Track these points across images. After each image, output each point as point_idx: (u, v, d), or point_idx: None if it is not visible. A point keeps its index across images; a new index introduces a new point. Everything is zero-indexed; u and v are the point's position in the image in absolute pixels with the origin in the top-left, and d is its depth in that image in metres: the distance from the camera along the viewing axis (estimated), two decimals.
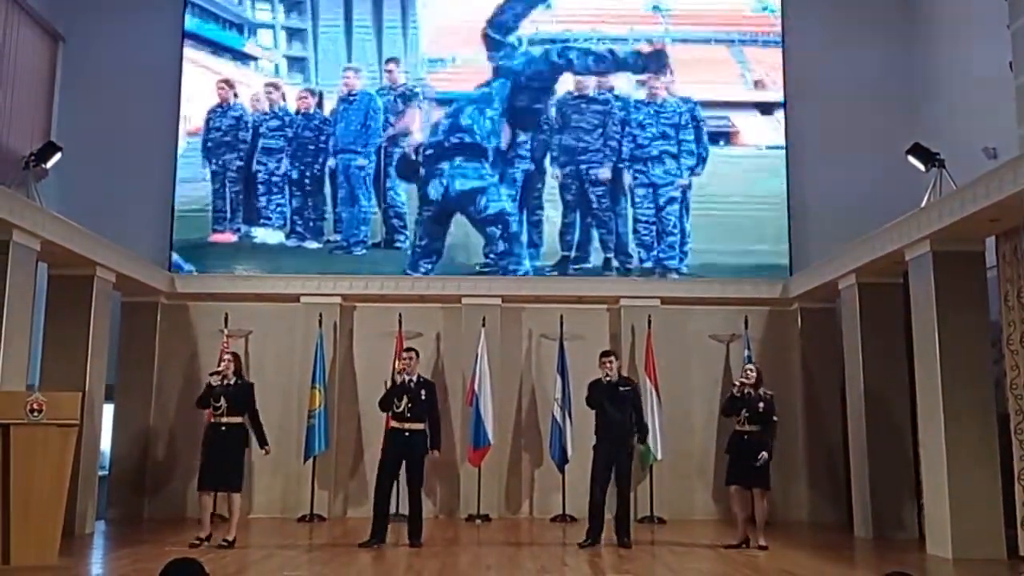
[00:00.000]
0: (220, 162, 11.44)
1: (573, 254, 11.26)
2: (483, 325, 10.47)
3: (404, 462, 8.09)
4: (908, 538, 8.92)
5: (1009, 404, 7.50)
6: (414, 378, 8.22)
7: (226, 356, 8.24)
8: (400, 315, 10.55)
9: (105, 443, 10.03)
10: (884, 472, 9.12)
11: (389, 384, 8.26)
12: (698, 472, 10.62)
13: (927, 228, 7.74)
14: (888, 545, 8.68)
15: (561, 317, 10.56)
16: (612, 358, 8.41)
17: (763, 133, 11.64)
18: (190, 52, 11.61)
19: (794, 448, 10.56)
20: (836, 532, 9.68)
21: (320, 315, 10.52)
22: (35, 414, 6.87)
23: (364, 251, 11.27)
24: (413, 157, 11.37)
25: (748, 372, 8.39)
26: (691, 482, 10.60)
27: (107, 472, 10.25)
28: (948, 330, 7.80)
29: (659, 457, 10.11)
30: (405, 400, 8.07)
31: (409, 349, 8.53)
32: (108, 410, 10.06)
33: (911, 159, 9.21)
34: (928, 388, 7.97)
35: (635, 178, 11.35)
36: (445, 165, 11.29)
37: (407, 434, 8.06)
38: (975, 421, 7.68)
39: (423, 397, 8.15)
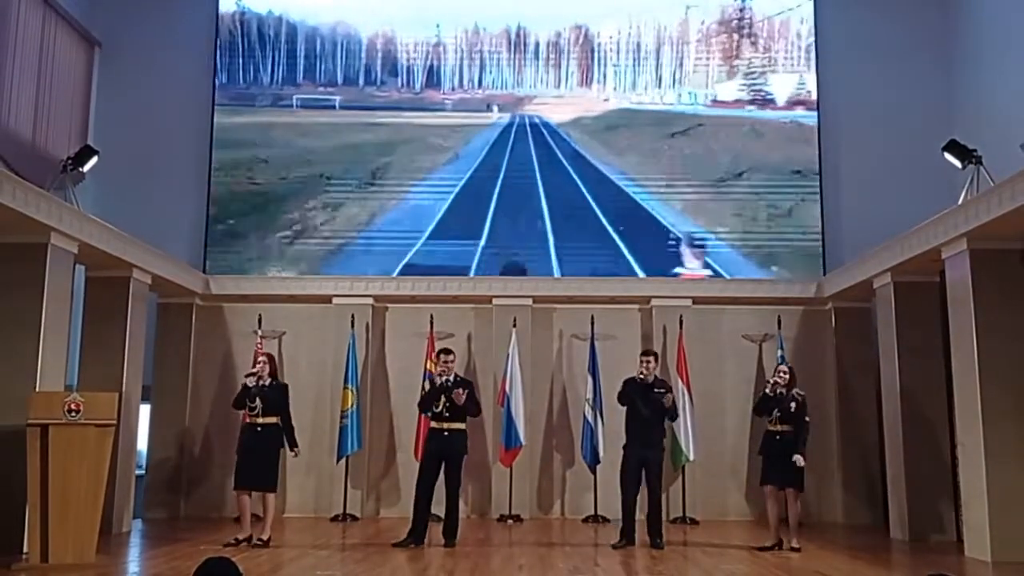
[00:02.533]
0: None
1: None
2: (514, 325, 10.46)
3: (444, 461, 8.11)
4: (946, 540, 8.79)
5: None
6: (451, 378, 8.24)
7: (261, 357, 8.31)
8: (432, 316, 10.58)
9: (142, 443, 10.16)
10: (921, 473, 9.00)
11: (427, 386, 8.28)
12: (731, 473, 10.54)
13: (964, 226, 7.62)
14: (925, 548, 8.56)
15: (592, 317, 10.53)
16: (652, 359, 8.37)
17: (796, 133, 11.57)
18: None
19: (829, 449, 10.46)
20: (871, 534, 9.56)
21: (352, 316, 10.57)
22: (73, 414, 6.97)
23: None
24: None
25: (782, 372, 8.31)
26: (724, 483, 10.52)
27: (144, 471, 10.38)
28: (986, 329, 7.67)
29: (692, 458, 10.05)
30: (443, 401, 8.10)
31: (448, 351, 8.48)
32: (144, 410, 10.19)
33: (947, 156, 9.07)
34: (966, 388, 7.85)
35: None
36: None
37: (446, 434, 8.09)
38: (1014, 421, 7.54)
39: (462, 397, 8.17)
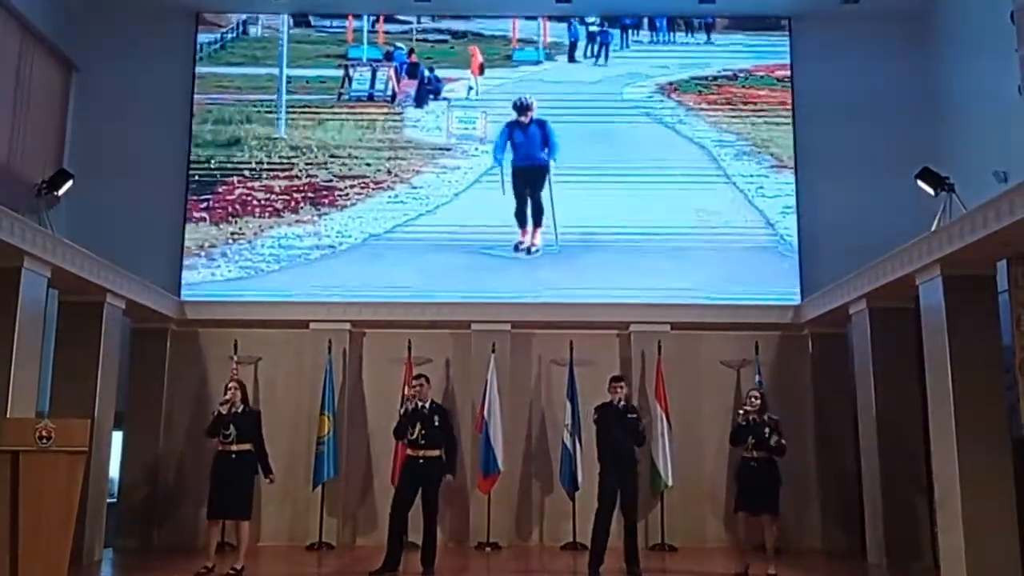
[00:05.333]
0: None
1: None
2: (492, 351, 10.44)
3: (420, 489, 7.96)
4: (923, 566, 8.80)
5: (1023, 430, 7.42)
6: (427, 404, 8.15)
7: (232, 384, 8.22)
8: (409, 341, 10.53)
9: (114, 470, 10.02)
10: (897, 498, 9.03)
11: (402, 412, 8.17)
12: (709, 499, 10.53)
13: (937, 252, 7.69)
14: (902, 573, 8.59)
15: (571, 343, 10.53)
16: (622, 384, 8.34)
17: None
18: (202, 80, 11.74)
19: (806, 474, 10.47)
20: (849, 559, 9.57)
21: (329, 341, 10.50)
22: (44, 441, 6.85)
23: None
24: None
25: (753, 399, 8.34)
26: (702, 509, 10.50)
27: (116, 500, 10.21)
28: (960, 355, 7.71)
29: (670, 484, 10.03)
30: (419, 427, 7.98)
31: (419, 376, 8.47)
32: (117, 437, 10.05)
33: (920, 183, 9.19)
34: (940, 414, 7.89)
35: None
36: None
37: (421, 461, 7.95)
38: (988, 447, 7.57)
39: (436, 423, 8.06)
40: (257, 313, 10.87)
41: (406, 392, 9.51)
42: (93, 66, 11.55)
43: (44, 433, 6.85)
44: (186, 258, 11.29)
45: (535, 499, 10.63)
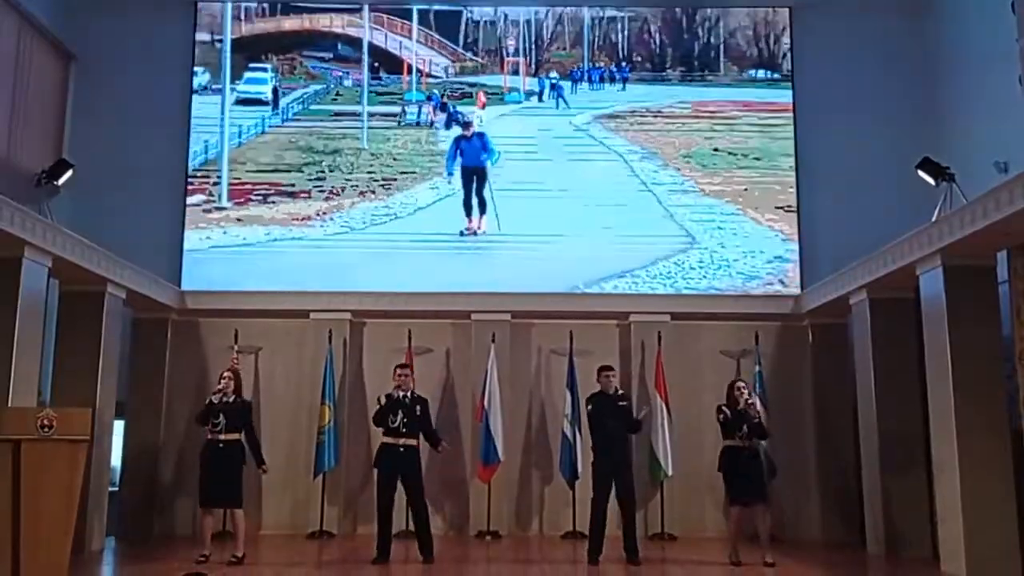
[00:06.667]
0: None
1: None
2: (493, 341, 10.45)
3: (401, 477, 8.10)
4: (922, 556, 8.81)
5: (1023, 420, 7.44)
6: (408, 394, 8.26)
7: (226, 373, 8.24)
8: (410, 331, 10.55)
9: (115, 459, 10.04)
10: (897, 489, 9.05)
11: (383, 400, 8.25)
12: (709, 488, 10.52)
13: (938, 242, 7.71)
14: (902, 563, 8.61)
15: (571, 333, 10.54)
16: (613, 372, 8.46)
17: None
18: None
19: (806, 465, 10.50)
20: (848, 550, 9.60)
21: (330, 331, 10.52)
22: (46, 430, 6.86)
23: None
24: None
25: (741, 387, 8.36)
26: (702, 498, 10.52)
27: (117, 488, 10.24)
28: (960, 345, 7.73)
29: (670, 473, 10.06)
30: (400, 415, 8.10)
31: (405, 366, 8.62)
32: (118, 426, 10.08)
33: (921, 173, 9.19)
34: (940, 404, 7.91)
35: None
36: None
37: (402, 449, 8.08)
38: (988, 437, 7.60)
39: (417, 413, 8.21)
40: (257, 303, 10.86)
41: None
42: (92, 56, 11.52)
43: (45, 422, 6.86)
44: (301, 223, 11.56)
45: (535, 488, 10.66)
